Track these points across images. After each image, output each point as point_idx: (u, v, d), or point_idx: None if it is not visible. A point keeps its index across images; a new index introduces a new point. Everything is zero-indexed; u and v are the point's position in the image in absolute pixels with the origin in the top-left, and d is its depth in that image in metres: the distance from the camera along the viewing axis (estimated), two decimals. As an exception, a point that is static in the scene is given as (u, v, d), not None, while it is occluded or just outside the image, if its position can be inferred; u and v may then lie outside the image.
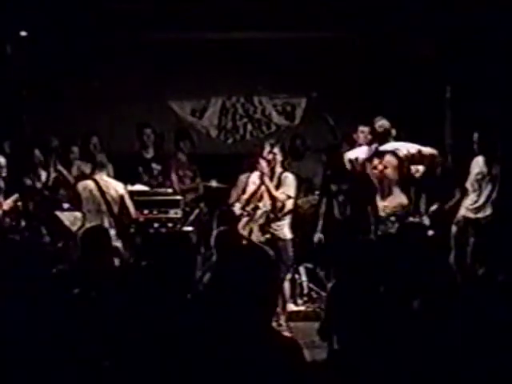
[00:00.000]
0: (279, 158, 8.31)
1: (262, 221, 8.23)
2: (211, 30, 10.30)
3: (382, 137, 8.14)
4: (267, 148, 8.30)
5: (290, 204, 8.30)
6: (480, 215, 8.08)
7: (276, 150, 8.28)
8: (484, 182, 8.08)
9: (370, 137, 8.92)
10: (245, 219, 8.38)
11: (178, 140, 10.32)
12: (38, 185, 9.37)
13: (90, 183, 8.60)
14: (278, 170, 8.35)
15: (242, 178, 8.91)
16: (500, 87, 9.46)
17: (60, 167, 9.52)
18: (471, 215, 8.11)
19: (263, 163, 8.25)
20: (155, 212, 9.31)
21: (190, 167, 10.18)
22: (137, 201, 9.24)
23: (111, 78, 10.86)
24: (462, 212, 8.20)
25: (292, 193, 8.31)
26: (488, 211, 8.05)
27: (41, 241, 8.25)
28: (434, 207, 8.96)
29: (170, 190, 9.69)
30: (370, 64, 10.75)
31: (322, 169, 10.23)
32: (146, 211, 9.27)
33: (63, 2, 9.69)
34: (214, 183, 9.79)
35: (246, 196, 8.38)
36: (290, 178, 8.32)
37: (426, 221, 8.80)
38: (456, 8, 9.47)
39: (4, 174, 8.68)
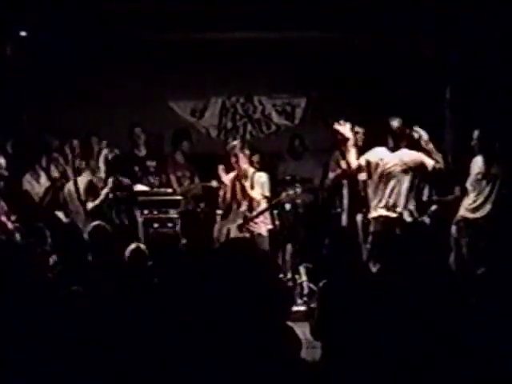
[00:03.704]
0: (244, 159, 8.45)
1: (239, 221, 8.36)
2: (211, 30, 10.29)
3: (398, 136, 8.15)
4: (232, 150, 8.48)
5: (264, 203, 8.50)
6: (478, 215, 8.07)
7: (237, 150, 8.44)
8: (483, 182, 8.08)
9: (363, 137, 8.97)
10: (221, 221, 8.51)
11: (178, 140, 10.33)
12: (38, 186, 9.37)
13: (70, 185, 8.69)
14: (251, 170, 8.57)
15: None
16: (500, 87, 9.46)
17: (62, 161, 9.54)
18: (469, 215, 8.11)
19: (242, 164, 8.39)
20: (155, 212, 9.31)
21: (188, 167, 10.18)
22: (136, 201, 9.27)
23: (111, 78, 10.85)
24: (462, 212, 8.19)
25: (267, 192, 8.51)
26: (486, 211, 8.04)
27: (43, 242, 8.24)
28: (433, 207, 8.98)
29: (169, 190, 9.70)
30: (370, 64, 10.75)
31: (321, 169, 10.27)
32: (145, 211, 9.28)
33: (63, 2, 9.68)
34: (214, 183, 9.78)
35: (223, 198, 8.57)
36: (263, 178, 8.54)
37: (426, 221, 8.82)
38: (456, 8, 9.47)
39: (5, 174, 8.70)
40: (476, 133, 8.18)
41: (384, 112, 9.88)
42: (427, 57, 10.31)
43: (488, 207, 8.06)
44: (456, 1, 9.59)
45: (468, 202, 8.16)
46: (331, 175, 9.63)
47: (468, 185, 8.19)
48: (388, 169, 7.96)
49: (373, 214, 8.06)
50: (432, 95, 10.36)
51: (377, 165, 8.02)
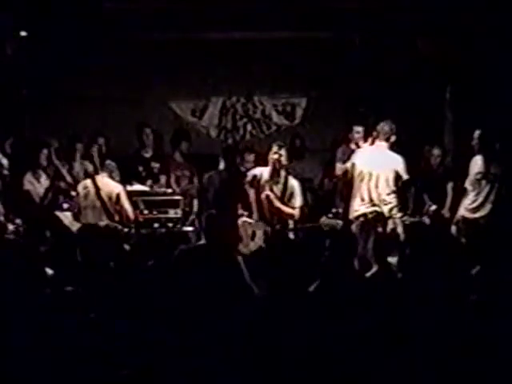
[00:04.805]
0: (284, 160, 8.32)
1: (266, 227, 8.25)
2: (211, 30, 10.30)
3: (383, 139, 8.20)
4: (274, 148, 8.33)
5: (297, 213, 8.37)
6: (478, 215, 8.07)
7: (282, 151, 8.31)
8: (483, 182, 8.08)
9: (364, 137, 9.00)
10: (246, 221, 8.41)
11: (178, 141, 10.32)
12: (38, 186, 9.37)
13: (88, 182, 8.79)
14: (283, 173, 8.38)
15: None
16: (500, 87, 9.46)
17: (57, 162, 9.52)
18: (469, 215, 8.10)
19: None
20: (155, 212, 9.30)
21: (188, 167, 10.18)
22: (136, 201, 9.25)
23: (111, 78, 10.85)
24: (461, 212, 8.19)
25: (300, 202, 8.39)
26: (486, 211, 8.04)
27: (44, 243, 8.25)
28: (433, 207, 8.97)
29: (170, 190, 9.69)
30: (370, 64, 10.74)
31: (321, 169, 10.28)
32: (145, 211, 9.27)
33: (63, 2, 9.69)
34: (213, 183, 9.78)
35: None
36: (296, 188, 8.40)
37: (426, 221, 8.82)
38: (456, 8, 9.47)
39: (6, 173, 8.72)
40: (476, 133, 8.18)
41: (384, 112, 9.90)
42: (427, 57, 10.30)
43: (488, 207, 8.06)
44: (456, 1, 9.60)
45: (468, 201, 8.15)
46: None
47: (467, 185, 8.18)
48: (367, 169, 8.02)
49: (353, 213, 8.08)
50: (432, 95, 10.36)
51: (358, 167, 8.09)
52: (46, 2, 9.62)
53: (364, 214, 7.97)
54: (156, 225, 9.22)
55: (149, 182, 9.85)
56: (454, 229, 8.22)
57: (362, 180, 8.01)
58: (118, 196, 8.69)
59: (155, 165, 10.07)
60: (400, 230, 7.86)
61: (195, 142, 10.73)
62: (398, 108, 9.93)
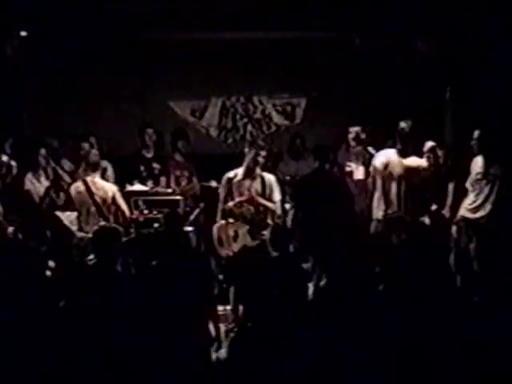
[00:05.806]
0: (260, 158, 8.46)
1: (248, 226, 8.30)
2: (211, 30, 10.30)
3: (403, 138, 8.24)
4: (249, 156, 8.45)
5: (278, 208, 8.46)
6: (478, 215, 8.07)
7: (260, 158, 8.43)
8: (483, 182, 8.08)
9: (362, 136, 9.03)
10: (226, 222, 8.44)
11: (176, 140, 10.32)
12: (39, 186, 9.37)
13: (80, 185, 8.72)
14: (258, 171, 8.56)
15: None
16: (500, 87, 9.47)
17: (54, 164, 9.52)
18: (470, 215, 8.11)
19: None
20: (155, 212, 9.30)
21: (187, 167, 10.18)
22: (137, 201, 9.26)
23: (111, 78, 10.86)
24: (462, 212, 8.20)
25: (279, 196, 8.52)
26: (486, 211, 8.05)
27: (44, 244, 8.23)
28: (434, 207, 8.98)
29: (169, 190, 9.69)
30: (370, 64, 10.75)
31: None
32: (145, 211, 9.27)
33: (63, 2, 9.69)
34: (213, 183, 9.78)
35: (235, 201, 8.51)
36: (273, 182, 8.54)
37: (426, 221, 8.82)
38: (456, 8, 9.47)
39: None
40: (476, 133, 8.18)
41: (384, 112, 9.91)
42: (427, 57, 10.30)
43: (488, 207, 8.06)
44: (456, 1, 9.60)
45: (468, 202, 8.16)
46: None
47: (468, 185, 8.19)
48: (393, 171, 8.04)
49: (377, 214, 8.12)
50: (432, 95, 10.36)
51: (384, 167, 8.11)
52: (46, 2, 9.63)
53: (390, 218, 7.99)
54: (156, 225, 9.22)
55: (150, 183, 9.84)
56: (454, 229, 8.23)
57: (389, 182, 8.06)
58: (113, 197, 8.66)
59: (156, 165, 10.08)
60: None
61: (195, 142, 10.73)
62: (399, 108, 9.92)
